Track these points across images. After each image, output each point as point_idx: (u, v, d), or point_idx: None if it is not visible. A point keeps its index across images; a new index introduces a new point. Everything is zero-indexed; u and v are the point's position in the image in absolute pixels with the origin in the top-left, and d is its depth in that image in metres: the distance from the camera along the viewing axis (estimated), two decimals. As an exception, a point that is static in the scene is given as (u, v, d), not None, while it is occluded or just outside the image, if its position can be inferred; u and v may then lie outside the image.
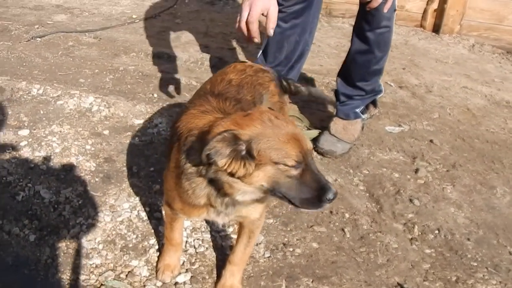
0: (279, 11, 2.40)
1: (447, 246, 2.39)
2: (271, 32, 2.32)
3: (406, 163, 3.01)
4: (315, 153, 3.02)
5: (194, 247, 2.25)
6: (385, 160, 3.03)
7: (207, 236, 2.31)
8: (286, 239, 2.34)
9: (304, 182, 1.52)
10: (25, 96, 3.29)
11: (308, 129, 3.27)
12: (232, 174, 1.52)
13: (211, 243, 2.27)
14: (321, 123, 3.29)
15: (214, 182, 1.61)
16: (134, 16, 5.07)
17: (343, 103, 3.11)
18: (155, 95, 3.52)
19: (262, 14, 2.28)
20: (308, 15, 2.88)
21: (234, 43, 4.61)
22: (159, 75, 3.83)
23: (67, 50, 4.12)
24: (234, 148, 1.49)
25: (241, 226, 1.96)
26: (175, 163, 1.74)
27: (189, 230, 2.33)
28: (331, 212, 2.54)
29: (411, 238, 2.42)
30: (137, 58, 4.13)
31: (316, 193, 1.52)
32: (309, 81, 3.93)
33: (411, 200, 2.67)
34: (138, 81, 3.73)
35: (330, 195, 1.52)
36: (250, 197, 1.63)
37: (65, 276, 2.07)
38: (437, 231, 2.47)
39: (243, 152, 1.50)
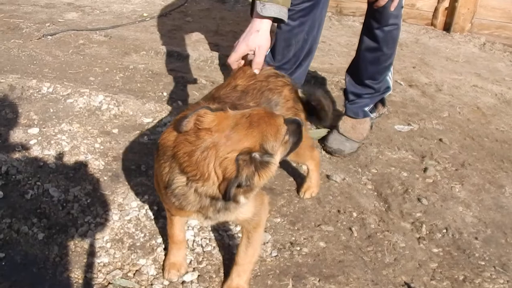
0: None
1: (454, 245, 2.37)
2: (255, 71, 2.23)
3: (415, 162, 2.99)
4: (323, 152, 3.02)
5: (202, 246, 2.25)
6: (394, 159, 3.01)
7: (215, 235, 2.32)
8: (293, 238, 2.34)
9: (290, 132, 1.74)
10: (35, 95, 3.32)
11: (317, 127, 3.26)
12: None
13: (218, 242, 2.28)
14: (330, 122, 3.27)
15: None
16: (145, 14, 5.09)
17: (352, 102, 3.10)
18: (165, 94, 3.54)
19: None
20: (316, 12, 2.87)
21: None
22: (169, 73, 3.85)
23: (78, 48, 4.15)
24: (255, 162, 1.56)
25: (242, 227, 1.98)
26: (157, 175, 1.79)
27: (196, 229, 2.33)
28: (338, 211, 2.53)
29: (419, 237, 2.40)
30: (147, 56, 4.15)
31: (295, 131, 1.79)
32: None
33: (419, 199, 2.65)
34: (148, 79, 3.74)
35: (301, 123, 1.82)
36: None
37: (73, 274, 2.08)
38: (445, 230, 2.45)
39: (260, 159, 1.58)
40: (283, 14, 2.29)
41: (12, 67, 3.70)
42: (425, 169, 2.91)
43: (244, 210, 1.81)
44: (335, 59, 4.43)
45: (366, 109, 3.08)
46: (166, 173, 1.67)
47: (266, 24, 2.27)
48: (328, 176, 2.78)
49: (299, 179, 2.67)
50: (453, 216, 2.55)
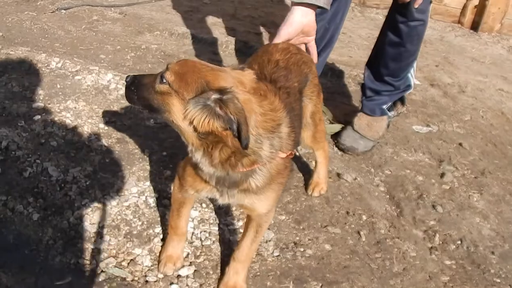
0: None
1: (469, 258, 2.24)
2: None
3: (432, 166, 2.84)
4: (335, 149, 2.89)
5: (200, 239, 2.15)
6: (410, 161, 2.86)
7: (215, 228, 2.21)
8: (297, 238, 2.22)
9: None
10: (43, 69, 3.23)
11: (331, 122, 3.12)
12: None
13: (218, 237, 2.17)
14: (345, 117, 3.14)
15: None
16: (162, -6, 4.95)
17: (369, 98, 2.95)
18: (175, 76, 3.42)
19: None
20: (341, 1, 2.71)
21: (262, 28, 4.46)
22: (181, 55, 3.73)
23: (91, 24, 4.05)
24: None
25: (248, 219, 1.86)
26: None
27: (196, 221, 2.23)
28: (347, 212, 2.40)
29: (431, 247, 2.27)
30: (161, 37, 4.03)
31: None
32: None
33: (434, 206, 2.51)
34: (159, 60, 3.63)
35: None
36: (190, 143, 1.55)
37: (65, 259, 2.00)
38: (459, 242, 2.31)
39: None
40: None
41: (23, 40, 3.61)
42: (442, 175, 2.76)
43: (260, 202, 1.69)
44: (354, 51, 4.27)
45: (384, 107, 2.94)
46: None
47: (296, 12, 2.11)
48: (338, 175, 2.65)
49: (308, 175, 2.54)
50: (469, 227, 2.41)
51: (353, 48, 4.36)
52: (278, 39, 2.10)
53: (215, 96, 1.41)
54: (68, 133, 2.68)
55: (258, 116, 1.47)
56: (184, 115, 1.47)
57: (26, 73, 3.17)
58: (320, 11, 2.33)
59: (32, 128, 2.66)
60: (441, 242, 2.30)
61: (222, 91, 1.41)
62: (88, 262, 2.00)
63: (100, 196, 2.30)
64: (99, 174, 2.44)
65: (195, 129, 1.47)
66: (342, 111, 3.29)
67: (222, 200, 1.70)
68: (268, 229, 2.22)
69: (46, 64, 3.28)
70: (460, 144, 3.09)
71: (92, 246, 2.07)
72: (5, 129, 2.59)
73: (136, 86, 1.61)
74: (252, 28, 4.41)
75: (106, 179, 2.41)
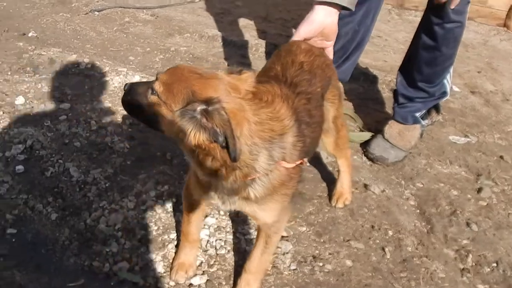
0: None
1: (505, 283, 2.06)
2: None
3: (468, 180, 2.66)
4: (364, 159, 2.75)
5: (215, 248, 2.07)
6: (444, 174, 2.69)
7: (231, 237, 2.13)
8: (317, 252, 2.11)
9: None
10: (73, 70, 3.26)
11: (361, 130, 2.99)
12: None
13: (233, 246, 2.09)
14: (376, 125, 3.00)
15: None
16: (195, -5, 4.93)
17: (401, 105, 2.80)
18: (203, 79, 3.37)
19: None
20: (372, 0, 2.58)
21: (293, 31, 4.35)
22: (210, 58, 3.69)
23: (122, 26, 4.07)
24: None
25: (258, 229, 1.79)
26: None
27: (212, 228, 2.16)
28: (372, 227, 2.27)
29: (463, 269, 2.10)
30: (191, 39, 4.00)
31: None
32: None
33: (468, 224, 2.34)
34: (188, 63, 3.59)
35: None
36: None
37: (80, 260, 1.98)
38: (494, 264, 2.14)
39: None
40: None
41: (55, 41, 3.66)
42: (479, 189, 2.58)
43: (264, 211, 1.60)
44: (390, 56, 4.10)
45: (417, 114, 2.78)
46: None
47: (319, 11, 1.99)
48: (366, 186, 2.52)
49: (333, 186, 2.42)
50: (507, 248, 2.23)
51: (389, 52, 4.19)
52: (296, 37, 2.00)
53: (200, 107, 1.32)
54: (92, 134, 2.68)
55: (252, 125, 1.38)
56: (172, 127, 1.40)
57: (56, 74, 3.20)
58: (347, 12, 2.21)
59: (57, 128, 2.68)
60: (474, 264, 2.13)
61: (207, 101, 1.32)
62: (101, 264, 1.98)
63: (118, 198, 2.28)
64: (119, 176, 2.41)
65: (182, 142, 1.40)
66: (374, 118, 3.15)
67: (224, 207, 1.63)
68: (287, 240, 2.13)
69: (76, 65, 3.31)
70: (501, 157, 2.88)
71: (106, 249, 2.04)
72: (31, 128, 2.62)
73: (132, 95, 1.53)
74: (284, 31, 4.31)
75: (126, 182, 2.38)
